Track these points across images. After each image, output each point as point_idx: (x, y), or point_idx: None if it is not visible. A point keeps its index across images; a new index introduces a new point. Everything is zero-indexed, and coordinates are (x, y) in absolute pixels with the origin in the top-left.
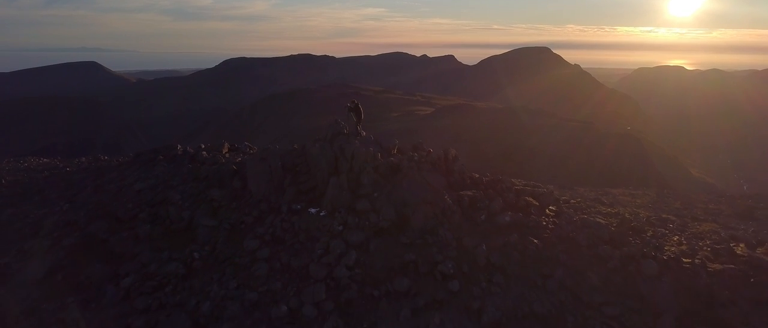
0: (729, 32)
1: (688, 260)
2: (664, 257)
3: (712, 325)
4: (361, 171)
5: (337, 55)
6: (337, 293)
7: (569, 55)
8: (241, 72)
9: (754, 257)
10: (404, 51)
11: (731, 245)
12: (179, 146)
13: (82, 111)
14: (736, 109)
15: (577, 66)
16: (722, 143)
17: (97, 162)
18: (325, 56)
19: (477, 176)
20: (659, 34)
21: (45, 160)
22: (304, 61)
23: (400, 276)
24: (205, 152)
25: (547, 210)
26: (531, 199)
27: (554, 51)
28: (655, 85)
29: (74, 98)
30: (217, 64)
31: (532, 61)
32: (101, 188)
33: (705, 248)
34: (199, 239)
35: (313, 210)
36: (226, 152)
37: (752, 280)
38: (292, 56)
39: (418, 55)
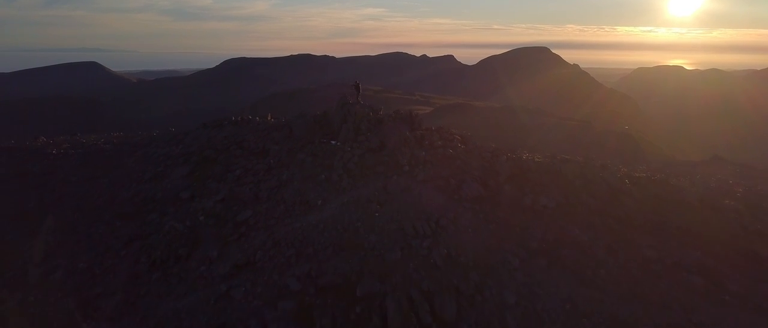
0: (729, 32)
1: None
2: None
3: None
4: (359, 122)
5: (337, 55)
6: (349, 173)
7: (569, 55)
8: (241, 72)
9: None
10: (404, 51)
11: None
12: (233, 117)
13: (83, 111)
14: (735, 109)
15: (576, 66)
16: (722, 143)
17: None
18: (325, 56)
19: (431, 126)
20: (659, 34)
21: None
22: (303, 61)
23: (381, 166)
24: (258, 118)
25: (462, 140)
26: (458, 136)
27: (554, 51)
28: (655, 84)
29: (75, 98)
30: (218, 64)
31: (532, 60)
32: (195, 138)
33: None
34: (271, 155)
35: (333, 142)
36: (270, 118)
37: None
38: (292, 56)
39: (418, 55)
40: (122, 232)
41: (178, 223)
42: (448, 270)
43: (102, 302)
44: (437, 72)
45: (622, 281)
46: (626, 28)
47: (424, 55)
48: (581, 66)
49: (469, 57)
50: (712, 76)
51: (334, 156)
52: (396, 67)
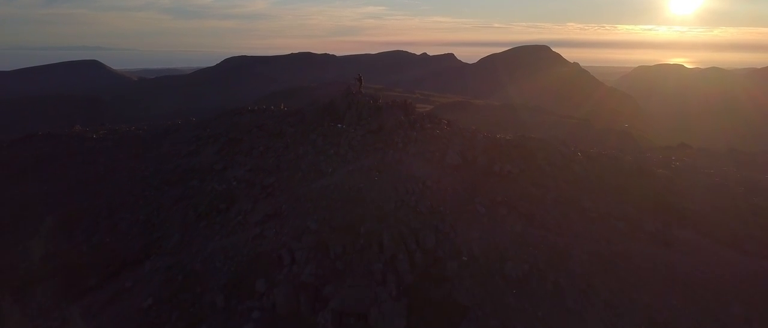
0: (730, 30)
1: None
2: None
3: None
4: (361, 109)
5: (338, 54)
6: (353, 149)
7: (569, 54)
8: (241, 70)
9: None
10: (404, 49)
11: None
12: (249, 107)
13: (85, 109)
14: (736, 107)
15: (576, 64)
16: (722, 141)
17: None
18: (326, 55)
19: (422, 112)
20: (660, 33)
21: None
22: (304, 60)
23: (380, 144)
24: (272, 107)
25: (447, 124)
26: (445, 121)
27: (554, 49)
28: (655, 83)
29: (76, 96)
30: (218, 62)
31: (532, 59)
32: (220, 123)
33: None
34: (288, 136)
35: (339, 125)
36: (283, 107)
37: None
38: (292, 55)
39: (418, 53)
40: (170, 194)
41: (216, 185)
42: (430, 216)
43: (163, 243)
44: (437, 70)
45: (563, 224)
46: (627, 27)
47: (425, 54)
48: (582, 64)
49: (469, 55)
50: (712, 74)
51: (341, 136)
52: (396, 65)
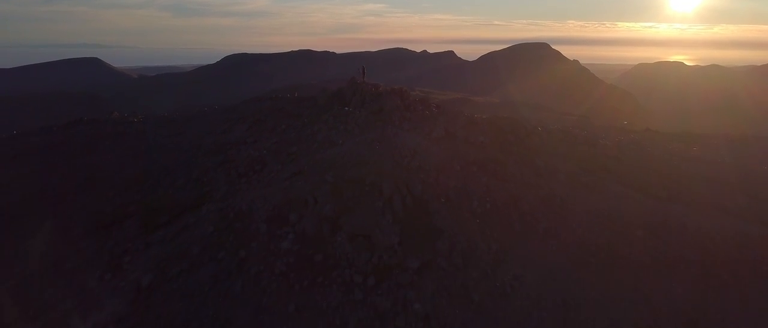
0: (730, 28)
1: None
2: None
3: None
4: (365, 95)
5: (338, 51)
6: (359, 126)
7: (570, 51)
8: (242, 68)
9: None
10: (404, 47)
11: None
12: (273, 96)
13: (86, 106)
14: (736, 104)
15: (576, 62)
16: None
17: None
18: (326, 52)
19: (416, 97)
20: (660, 30)
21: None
22: (304, 57)
23: (380, 122)
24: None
25: (436, 107)
26: (434, 105)
27: (554, 47)
28: (655, 80)
29: (77, 94)
30: (219, 60)
31: (532, 57)
32: (246, 108)
33: None
34: (305, 117)
35: (346, 108)
36: (296, 95)
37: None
38: (292, 52)
39: (419, 50)
40: (214, 160)
41: (251, 152)
42: (419, 171)
43: (213, 194)
44: (437, 68)
45: (518, 177)
46: (627, 24)
47: (425, 51)
48: (582, 62)
49: (469, 53)
50: (712, 71)
51: (348, 116)
52: (396, 62)
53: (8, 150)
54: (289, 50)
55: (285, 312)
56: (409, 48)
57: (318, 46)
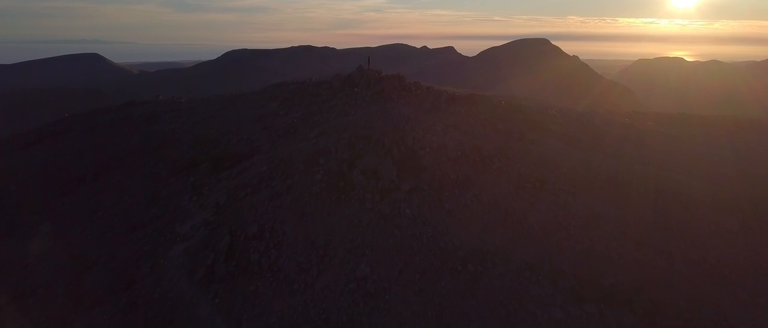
0: (731, 23)
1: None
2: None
3: None
4: (370, 78)
5: (338, 47)
6: (366, 101)
7: (570, 47)
8: (242, 63)
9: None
10: (404, 42)
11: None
12: (294, 81)
13: (87, 102)
14: (736, 100)
15: (576, 57)
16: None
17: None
18: (326, 48)
19: (411, 83)
20: (661, 26)
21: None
22: (305, 53)
23: (382, 99)
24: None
25: (426, 88)
26: (425, 86)
27: (555, 43)
28: (655, 76)
29: (78, 89)
30: (219, 56)
31: (532, 52)
32: (275, 90)
33: None
34: (322, 95)
35: (355, 89)
36: (313, 79)
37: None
38: (293, 48)
39: (419, 46)
40: (257, 126)
41: (285, 120)
42: (410, 131)
43: (261, 148)
44: (437, 63)
45: (482, 134)
46: (628, 20)
47: (425, 47)
48: (582, 57)
49: (469, 48)
50: (712, 67)
51: (357, 95)
52: (397, 58)
53: (78, 126)
54: (289, 46)
55: (320, 216)
56: (409, 44)
57: (318, 42)
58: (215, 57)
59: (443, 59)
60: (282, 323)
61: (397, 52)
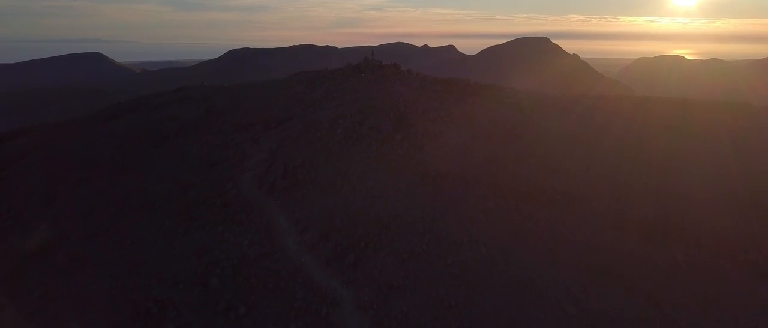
0: (732, 22)
1: None
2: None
3: None
4: (374, 67)
5: (339, 46)
6: (370, 83)
7: (571, 45)
8: (244, 62)
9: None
10: (405, 41)
11: None
12: (313, 70)
13: (89, 101)
14: (737, 98)
15: (576, 56)
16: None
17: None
18: (327, 46)
19: (406, 71)
20: (662, 24)
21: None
22: (306, 52)
23: (382, 80)
24: (324, 69)
25: (418, 74)
26: (417, 73)
27: (556, 41)
28: (656, 75)
29: (80, 88)
30: (221, 54)
31: (533, 51)
32: (299, 77)
33: None
34: (337, 80)
35: (362, 74)
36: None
37: None
38: (294, 47)
39: (420, 45)
40: (291, 100)
41: (312, 96)
42: (403, 102)
43: (296, 114)
44: (439, 62)
45: (455, 105)
46: (629, 18)
47: (426, 45)
48: (583, 56)
49: (470, 47)
50: (713, 65)
51: (364, 78)
52: (398, 57)
53: (144, 106)
54: (291, 45)
55: (340, 156)
56: (410, 42)
57: (319, 41)
58: (217, 56)
59: (444, 58)
60: (321, 214)
61: (399, 51)
